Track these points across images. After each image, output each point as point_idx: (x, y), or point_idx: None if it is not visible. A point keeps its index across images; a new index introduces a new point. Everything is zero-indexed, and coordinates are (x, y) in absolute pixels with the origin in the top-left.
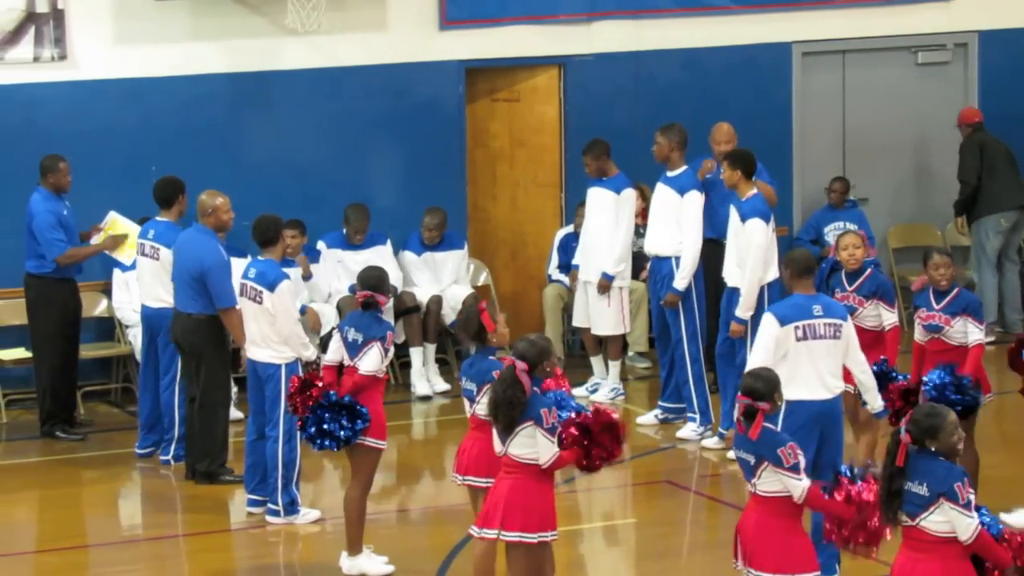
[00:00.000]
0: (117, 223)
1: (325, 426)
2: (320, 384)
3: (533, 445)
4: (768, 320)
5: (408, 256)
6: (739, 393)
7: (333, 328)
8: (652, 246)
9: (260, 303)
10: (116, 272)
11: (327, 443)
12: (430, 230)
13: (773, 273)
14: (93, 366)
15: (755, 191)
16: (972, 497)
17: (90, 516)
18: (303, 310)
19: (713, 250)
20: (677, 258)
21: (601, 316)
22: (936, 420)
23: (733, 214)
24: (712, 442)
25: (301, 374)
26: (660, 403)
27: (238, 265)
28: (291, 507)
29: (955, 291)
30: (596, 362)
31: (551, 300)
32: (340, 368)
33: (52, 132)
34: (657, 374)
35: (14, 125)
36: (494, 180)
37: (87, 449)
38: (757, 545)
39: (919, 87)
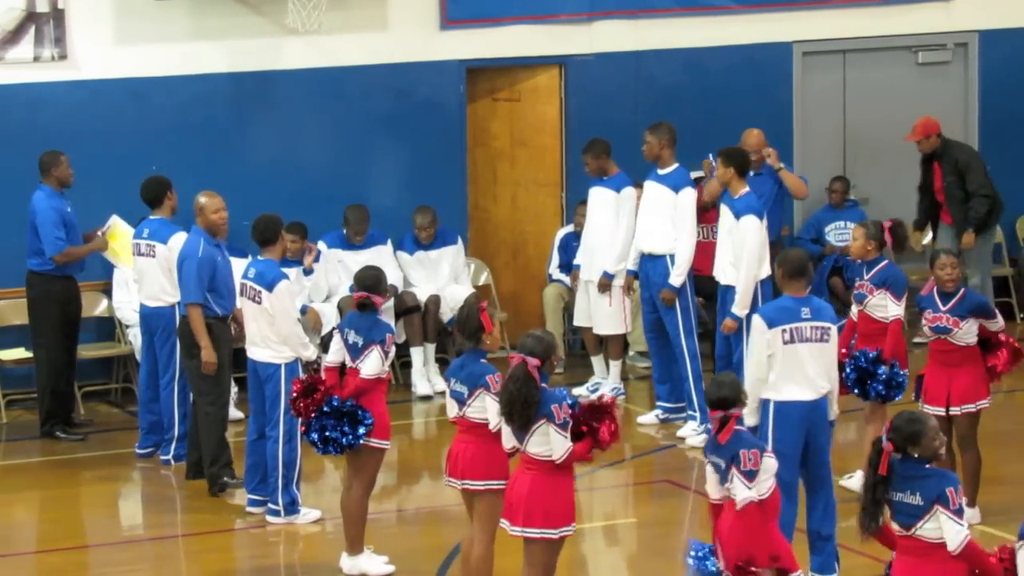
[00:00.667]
0: (118, 228)
1: (328, 433)
2: (322, 388)
3: (548, 442)
4: (757, 322)
5: (403, 256)
6: (709, 406)
7: (334, 328)
8: (645, 244)
9: (259, 303)
10: (116, 272)
11: (330, 449)
12: (425, 229)
13: (766, 270)
14: (93, 366)
15: (747, 189)
16: (963, 505)
17: (90, 516)
18: (304, 310)
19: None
20: (671, 256)
21: (603, 315)
22: (918, 426)
23: (726, 212)
24: (700, 440)
25: (302, 374)
26: (659, 404)
27: (238, 265)
28: (291, 507)
29: (961, 292)
30: (597, 361)
31: (552, 300)
32: (342, 368)
33: (52, 132)
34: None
35: (14, 125)
36: (495, 180)
37: (87, 449)
38: (733, 545)
39: (919, 87)
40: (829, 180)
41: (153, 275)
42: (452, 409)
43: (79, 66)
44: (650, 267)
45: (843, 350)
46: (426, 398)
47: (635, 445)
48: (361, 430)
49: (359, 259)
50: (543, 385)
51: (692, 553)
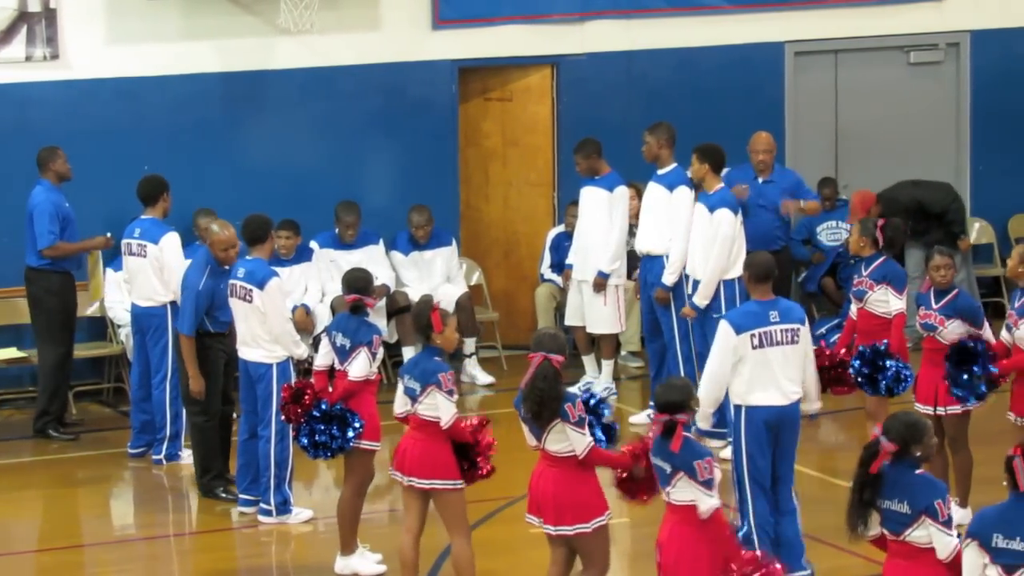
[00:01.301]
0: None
1: (318, 437)
2: (310, 392)
3: (565, 440)
4: (724, 328)
5: (396, 256)
6: (655, 408)
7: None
8: (643, 244)
9: (250, 302)
10: (109, 271)
11: (320, 453)
12: (421, 228)
13: (737, 271)
14: (85, 366)
15: (722, 185)
16: (952, 514)
17: (82, 516)
18: (294, 310)
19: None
20: (668, 256)
21: (597, 314)
22: (920, 425)
23: (702, 208)
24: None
25: (293, 374)
26: (652, 404)
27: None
28: (283, 506)
29: (953, 293)
30: (588, 361)
31: (543, 299)
32: (332, 371)
33: (44, 132)
34: (649, 373)
35: (6, 125)
36: (487, 179)
37: (79, 449)
38: (672, 553)
39: (911, 87)
40: (818, 182)
41: (144, 275)
42: (402, 405)
43: (71, 66)
44: (648, 267)
45: (843, 349)
46: None
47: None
48: (350, 433)
49: (351, 259)
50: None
51: None
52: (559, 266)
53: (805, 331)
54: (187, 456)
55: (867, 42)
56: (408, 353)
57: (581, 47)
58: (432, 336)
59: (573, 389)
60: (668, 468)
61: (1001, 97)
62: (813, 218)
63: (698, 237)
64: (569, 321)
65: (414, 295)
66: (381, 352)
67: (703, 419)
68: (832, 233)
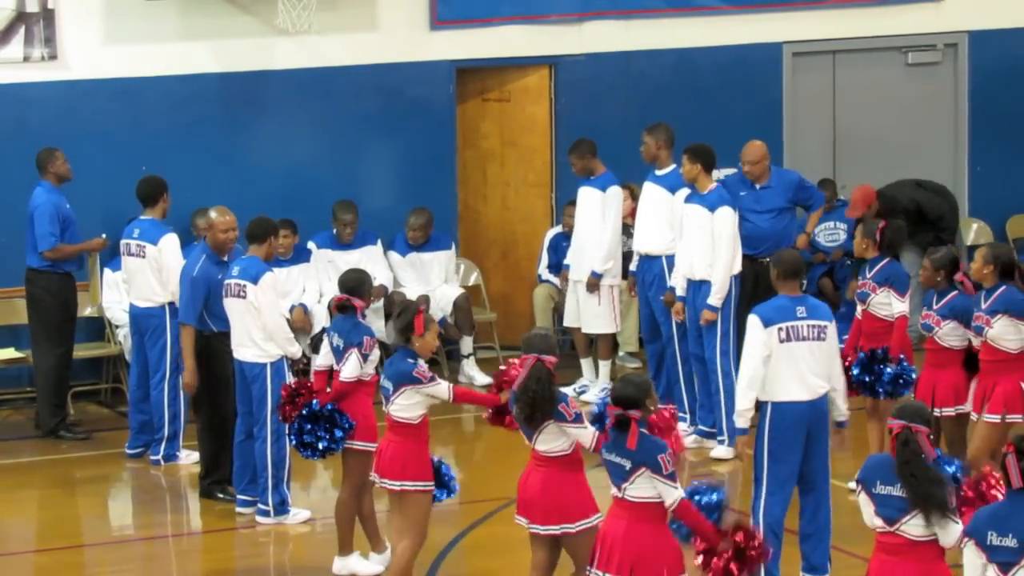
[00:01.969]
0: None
1: (305, 437)
2: (305, 392)
3: (557, 439)
4: (753, 322)
5: (394, 257)
6: (612, 401)
7: (324, 329)
8: (641, 245)
9: (244, 297)
10: (107, 272)
11: (308, 453)
12: (415, 230)
13: (738, 265)
14: (83, 366)
15: (715, 184)
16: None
17: (81, 516)
18: (292, 309)
19: (749, 267)
20: (668, 257)
21: (592, 315)
22: (927, 411)
23: (695, 210)
24: (690, 441)
25: (288, 374)
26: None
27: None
28: (281, 507)
29: (952, 294)
30: (586, 364)
31: (541, 300)
32: (331, 372)
33: (42, 132)
34: (647, 374)
35: (4, 125)
36: (484, 180)
37: (77, 449)
38: (632, 551)
39: (909, 87)
40: (819, 180)
41: (143, 275)
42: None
43: (69, 66)
44: (646, 268)
45: (848, 355)
46: None
47: None
48: (338, 434)
49: (349, 259)
50: None
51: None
52: (557, 267)
53: (832, 330)
54: (185, 457)
55: (865, 43)
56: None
57: (579, 47)
58: (411, 338)
59: (568, 390)
60: (628, 464)
61: (999, 98)
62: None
63: (696, 237)
64: (568, 322)
65: (411, 296)
66: (377, 353)
67: (741, 418)
68: (830, 233)
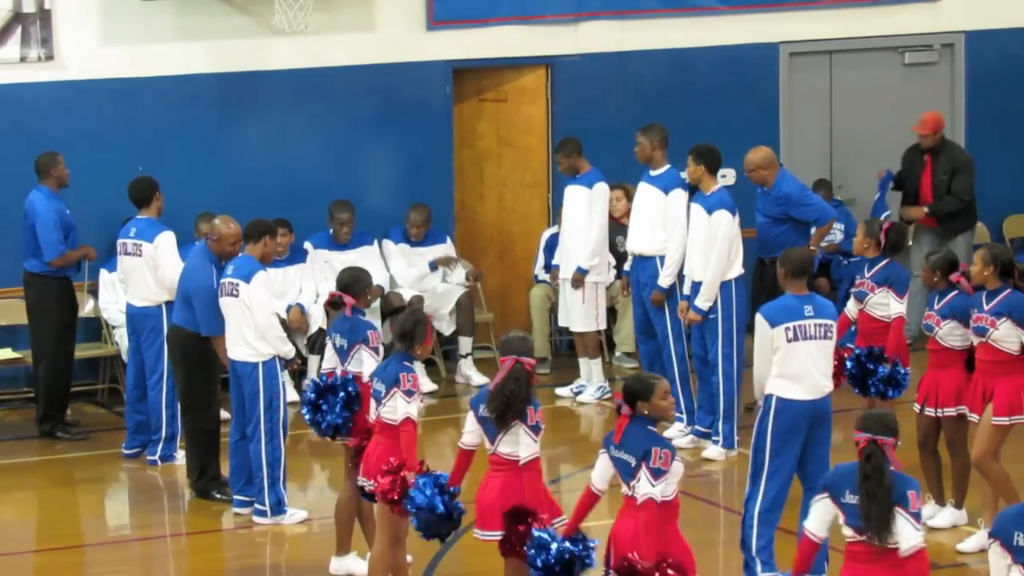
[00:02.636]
0: None
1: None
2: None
3: (520, 441)
4: (759, 322)
5: (387, 245)
6: (621, 391)
7: (320, 328)
8: (635, 245)
9: (237, 296)
10: (103, 272)
11: (325, 428)
12: (417, 226)
13: (737, 270)
14: (80, 366)
15: (719, 186)
16: (922, 509)
17: (77, 517)
18: (289, 309)
19: (759, 269)
20: (662, 257)
21: (575, 312)
22: (892, 418)
23: (697, 210)
24: (686, 441)
25: (280, 374)
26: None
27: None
28: (278, 507)
29: (952, 294)
30: (584, 363)
31: (538, 300)
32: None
33: (39, 132)
34: None
35: (1, 126)
36: (481, 180)
37: (75, 450)
38: (631, 545)
39: (906, 87)
40: (812, 183)
41: (140, 275)
42: (373, 409)
43: (66, 66)
44: (640, 268)
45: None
46: None
47: None
48: (346, 412)
49: (346, 259)
50: None
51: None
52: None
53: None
54: (182, 457)
55: (862, 43)
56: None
57: (575, 48)
58: (416, 347)
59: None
60: (632, 461)
61: (995, 98)
62: None
63: (696, 239)
64: (562, 322)
65: (406, 296)
66: (381, 349)
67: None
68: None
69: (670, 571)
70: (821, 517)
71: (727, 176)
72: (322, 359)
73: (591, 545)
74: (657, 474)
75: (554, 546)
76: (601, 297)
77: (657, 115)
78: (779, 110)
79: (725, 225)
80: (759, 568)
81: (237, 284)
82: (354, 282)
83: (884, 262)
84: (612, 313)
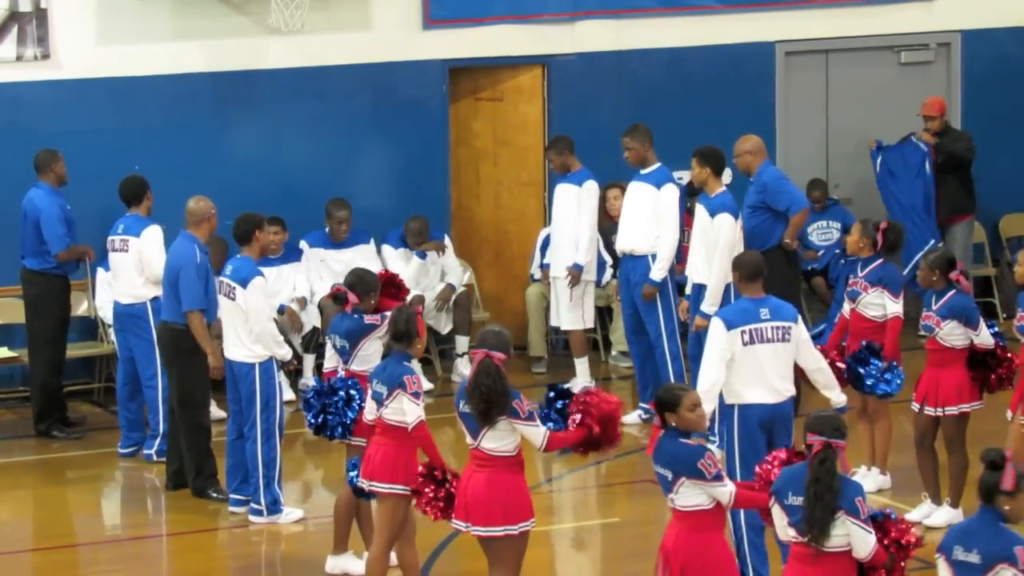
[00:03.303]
0: None
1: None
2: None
3: (505, 437)
4: (715, 325)
5: (387, 250)
6: (654, 405)
7: (315, 327)
8: (625, 243)
9: (233, 299)
10: (100, 271)
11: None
12: (416, 235)
13: None
14: (75, 365)
15: (723, 188)
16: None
17: (72, 516)
18: (282, 309)
19: None
20: (652, 255)
21: (563, 311)
22: (840, 419)
23: (701, 211)
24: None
25: (277, 374)
26: (641, 404)
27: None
28: (274, 506)
29: (950, 294)
30: (580, 363)
31: (534, 299)
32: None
33: (35, 131)
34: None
35: None
36: (477, 179)
37: (70, 449)
38: (680, 559)
39: (902, 87)
40: (812, 180)
41: (126, 272)
42: (372, 411)
43: (62, 65)
44: (630, 267)
45: (833, 350)
46: None
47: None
48: (350, 415)
49: (342, 258)
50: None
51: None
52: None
53: (798, 329)
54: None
55: (858, 42)
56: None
57: (571, 47)
58: (413, 342)
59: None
60: (670, 475)
61: (992, 97)
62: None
63: (700, 240)
64: (553, 321)
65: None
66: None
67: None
68: (823, 233)
69: None
70: (780, 523)
71: (726, 175)
72: (317, 358)
73: None
74: (720, 477)
75: None
76: (589, 296)
77: (653, 114)
78: (775, 109)
79: (727, 229)
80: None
81: (234, 288)
82: (358, 281)
83: (878, 262)
84: (609, 312)
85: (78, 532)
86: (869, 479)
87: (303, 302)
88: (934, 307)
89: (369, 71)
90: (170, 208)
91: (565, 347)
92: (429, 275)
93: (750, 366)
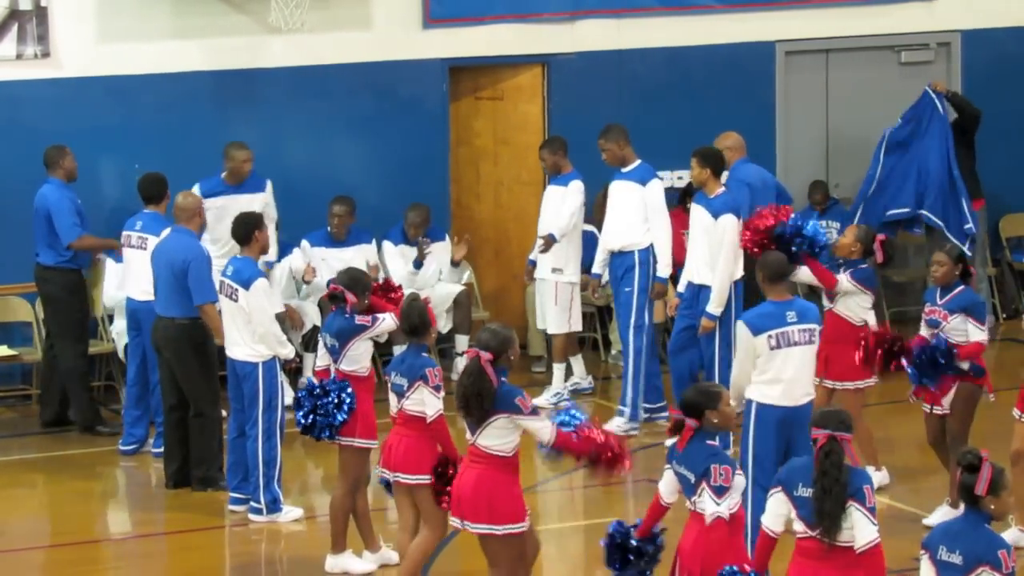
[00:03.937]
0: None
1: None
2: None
3: (504, 436)
4: (741, 330)
5: (387, 246)
6: (679, 405)
7: (316, 326)
8: (610, 242)
9: (236, 300)
10: (109, 263)
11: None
12: (416, 226)
13: (739, 271)
14: None
15: (723, 189)
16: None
17: (73, 514)
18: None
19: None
20: (640, 251)
21: (549, 313)
22: (846, 414)
23: (699, 212)
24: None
25: (280, 373)
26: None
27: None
28: (273, 505)
29: (959, 289)
30: (575, 362)
31: (534, 299)
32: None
33: (35, 130)
34: None
35: None
36: (478, 178)
37: (69, 447)
38: (697, 562)
39: (902, 86)
40: (811, 180)
41: (144, 268)
42: (394, 403)
43: (62, 64)
44: (617, 263)
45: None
46: None
47: None
48: (339, 418)
49: (343, 256)
50: (503, 380)
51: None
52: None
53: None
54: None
55: (858, 42)
56: (399, 351)
57: (572, 46)
58: (427, 332)
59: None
60: (692, 477)
61: (992, 97)
62: (803, 218)
63: (698, 241)
64: (539, 324)
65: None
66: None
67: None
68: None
69: None
70: (775, 511)
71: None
72: (316, 358)
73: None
74: (720, 492)
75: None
76: (576, 299)
77: (653, 113)
78: (775, 109)
79: (731, 230)
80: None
81: (236, 289)
82: (354, 282)
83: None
84: (609, 312)
85: (78, 530)
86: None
87: (294, 310)
88: (940, 301)
89: (369, 70)
90: (170, 207)
91: None
92: (426, 272)
93: (775, 369)
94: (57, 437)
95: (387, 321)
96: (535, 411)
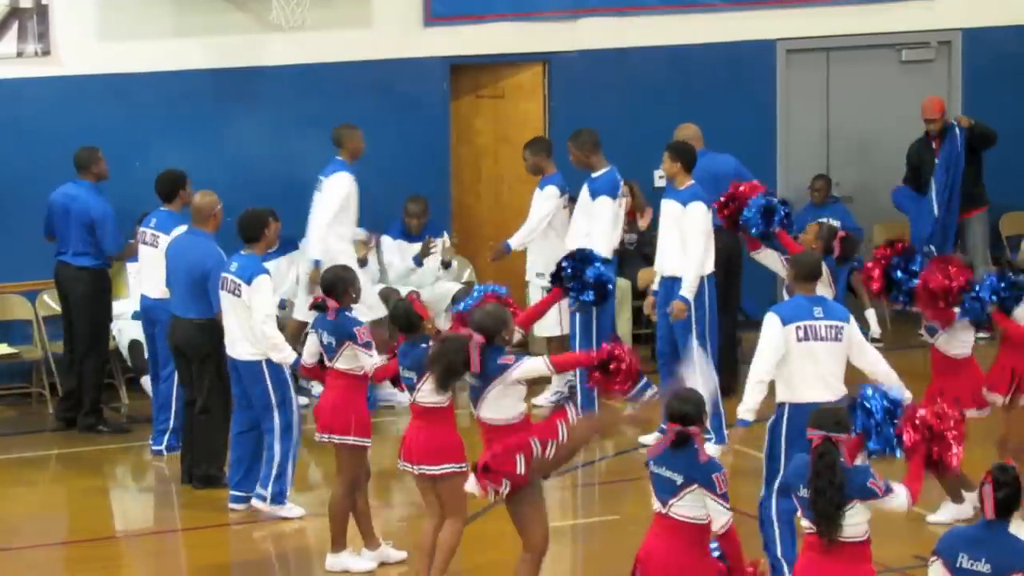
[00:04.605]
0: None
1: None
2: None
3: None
4: (771, 319)
5: (385, 240)
6: (669, 418)
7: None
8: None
9: (238, 296)
10: (129, 265)
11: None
12: (416, 218)
13: (710, 266)
14: None
15: (692, 182)
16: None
17: (76, 512)
18: (282, 304)
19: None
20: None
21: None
22: (843, 413)
23: (670, 205)
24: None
25: (286, 369)
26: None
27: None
28: (279, 496)
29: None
30: None
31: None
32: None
33: (35, 128)
34: None
35: None
36: (478, 177)
37: (72, 445)
38: (673, 573)
39: (903, 85)
40: (811, 178)
41: (156, 266)
42: (407, 396)
43: (62, 62)
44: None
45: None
46: None
47: (617, 443)
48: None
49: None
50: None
51: None
52: None
53: (850, 329)
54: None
55: (859, 40)
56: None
57: (572, 44)
58: (421, 325)
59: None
60: (679, 480)
61: (992, 96)
62: (804, 216)
63: (668, 234)
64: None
65: (403, 294)
66: (372, 343)
67: (748, 412)
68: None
69: None
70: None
71: None
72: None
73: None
74: (726, 498)
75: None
76: (564, 301)
77: (654, 112)
78: (776, 107)
79: (701, 217)
80: (787, 570)
81: (240, 284)
82: (338, 281)
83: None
84: None
85: (82, 528)
86: None
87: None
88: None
89: (370, 68)
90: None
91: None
92: (425, 269)
93: (805, 363)
94: (59, 435)
95: (373, 359)
96: (519, 357)
